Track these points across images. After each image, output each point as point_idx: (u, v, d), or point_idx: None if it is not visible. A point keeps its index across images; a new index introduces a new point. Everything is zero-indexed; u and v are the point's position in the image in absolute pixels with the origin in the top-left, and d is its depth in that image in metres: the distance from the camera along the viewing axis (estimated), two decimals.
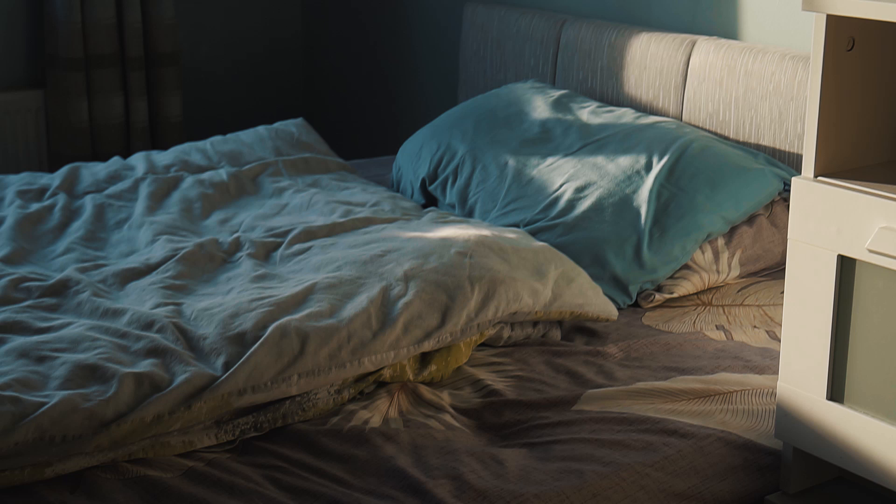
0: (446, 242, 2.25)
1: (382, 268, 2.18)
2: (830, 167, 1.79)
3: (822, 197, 1.74)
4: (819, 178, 1.77)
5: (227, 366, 1.90)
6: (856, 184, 1.72)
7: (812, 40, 1.73)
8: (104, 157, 3.90)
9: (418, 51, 4.02)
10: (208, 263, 2.35)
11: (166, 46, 3.99)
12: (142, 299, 2.17)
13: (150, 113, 4.07)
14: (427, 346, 2.05)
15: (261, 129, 3.18)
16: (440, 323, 2.07)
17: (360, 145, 4.22)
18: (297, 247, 2.39)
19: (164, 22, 3.95)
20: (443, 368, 2.08)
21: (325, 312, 2.03)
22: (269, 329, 1.96)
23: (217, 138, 3.12)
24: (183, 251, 2.36)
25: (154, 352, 1.93)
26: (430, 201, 2.92)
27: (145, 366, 1.88)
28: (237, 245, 2.43)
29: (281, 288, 2.16)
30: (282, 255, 2.38)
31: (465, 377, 2.09)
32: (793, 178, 1.79)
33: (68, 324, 2.05)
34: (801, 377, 1.80)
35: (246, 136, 3.14)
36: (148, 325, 2.02)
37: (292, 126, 3.20)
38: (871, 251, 1.66)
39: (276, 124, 3.21)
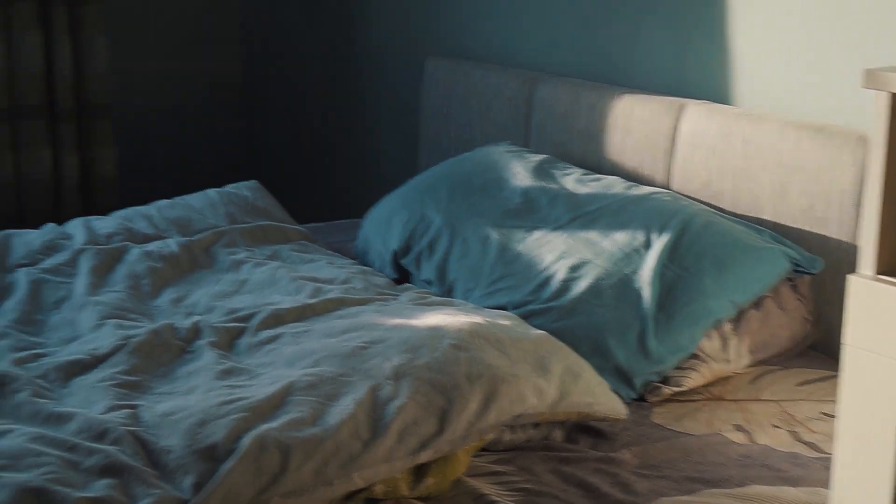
0: (437, 332, 2.00)
1: (367, 363, 1.92)
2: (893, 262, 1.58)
3: (885, 299, 1.53)
4: (880, 276, 1.57)
5: (197, 486, 1.62)
6: None
7: (873, 121, 1.53)
8: (31, 217, 3.59)
9: (375, 107, 3.77)
10: (164, 354, 2.06)
11: (100, 97, 3.71)
12: (89, 400, 1.88)
13: (83, 168, 3.77)
14: (424, 456, 1.79)
15: (211, 192, 2.89)
16: (438, 430, 1.81)
17: (312, 207, 3.94)
18: (264, 334, 2.12)
19: (97, 71, 3.67)
20: (441, 481, 1.82)
21: (308, 419, 1.77)
22: (245, 441, 1.69)
23: (163, 203, 2.84)
24: (135, 339, 2.08)
25: (110, 470, 1.64)
26: (402, 275, 2.66)
27: (101, 488, 1.60)
28: (196, 331, 2.15)
29: (252, 387, 1.89)
30: (248, 343, 2.10)
31: (467, 491, 1.83)
32: (849, 276, 1.57)
33: (7, 432, 1.75)
34: None
35: (195, 200, 2.85)
36: (100, 434, 1.74)
37: (245, 189, 2.92)
38: None
39: (228, 187, 2.93)
